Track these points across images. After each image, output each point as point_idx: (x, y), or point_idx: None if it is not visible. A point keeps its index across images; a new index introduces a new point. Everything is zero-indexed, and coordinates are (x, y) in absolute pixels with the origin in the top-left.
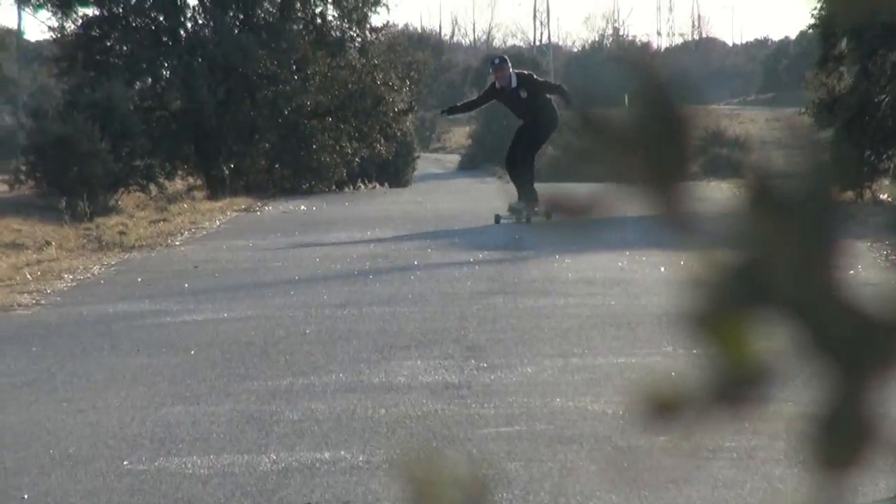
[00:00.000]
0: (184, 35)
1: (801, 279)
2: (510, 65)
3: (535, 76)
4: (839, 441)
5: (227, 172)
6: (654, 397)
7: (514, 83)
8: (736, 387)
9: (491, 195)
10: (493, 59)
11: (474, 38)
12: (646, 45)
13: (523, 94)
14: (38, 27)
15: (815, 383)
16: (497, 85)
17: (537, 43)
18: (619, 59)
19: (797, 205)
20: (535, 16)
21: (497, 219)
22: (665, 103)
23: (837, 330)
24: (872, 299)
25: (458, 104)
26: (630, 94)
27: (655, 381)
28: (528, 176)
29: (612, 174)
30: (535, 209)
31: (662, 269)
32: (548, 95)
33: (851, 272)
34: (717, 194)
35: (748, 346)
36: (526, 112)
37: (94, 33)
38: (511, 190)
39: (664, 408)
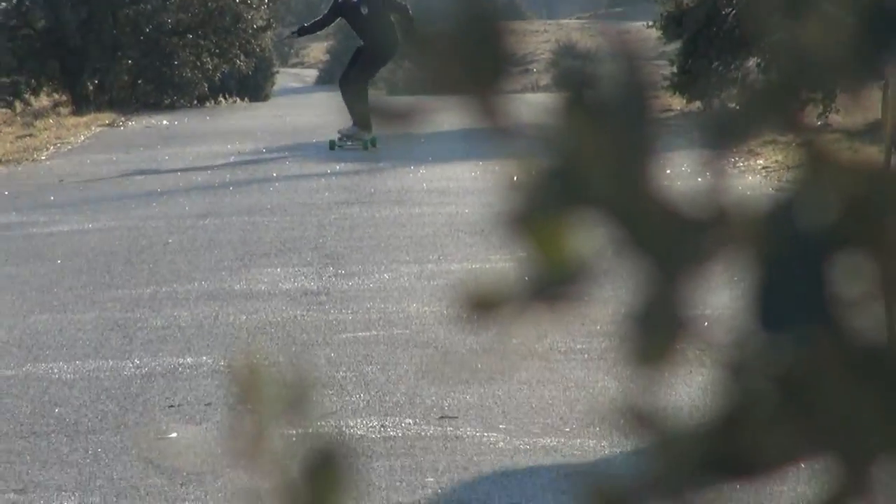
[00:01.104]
0: None
1: (616, 180)
2: None
3: None
4: (653, 336)
5: (91, 88)
6: (473, 296)
7: None
8: (552, 285)
9: (330, 109)
10: None
11: None
12: None
13: (364, 10)
14: None
15: (630, 281)
16: (338, 1)
17: None
18: None
19: (611, 109)
20: None
21: (332, 145)
22: (481, 13)
23: (650, 228)
24: (684, 199)
25: (307, 24)
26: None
27: (474, 280)
28: (361, 99)
29: (434, 84)
30: (368, 134)
31: (515, 178)
32: (392, 16)
33: (674, 179)
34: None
35: (564, 246)
36: (364, 31)
37: None
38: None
39: (482, 306)
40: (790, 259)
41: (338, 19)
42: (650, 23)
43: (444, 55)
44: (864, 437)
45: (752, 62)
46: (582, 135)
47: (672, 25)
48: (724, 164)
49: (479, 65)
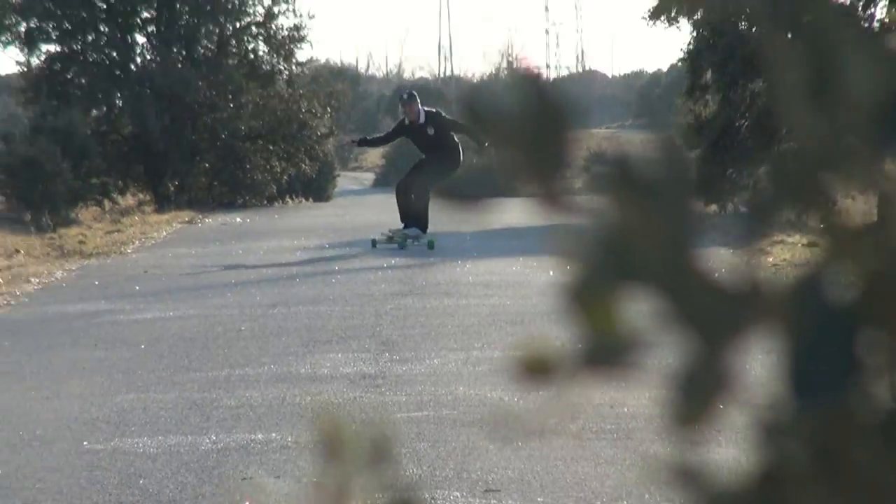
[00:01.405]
0: (134, 68)
1: (663, 258)
2: (419, 101)
3: (443, 114)
4: (696, 399)
5: (172, 189)
6: (529, 360)
7: (422, 119)
8: (604, 353)
9: (387, 210)
10: (402, 93)
11: (387, 71)
12: (531, 69)
13: (430, 132)
14: (7, 62)
15: (674, 350)
16: (406, 121)
17: (442, 75)
18: (513, 80)
19: (658, 197)
20: (439, 51)
21: (373, 243)
22: (552, 116)
23: (695, 302)
24: (726, 276)
25: (369, 138)
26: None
27: (532, 345)
28: (420, 206)
29: (504, 173)
30: (417, 238)
31: (551, 272)
32: (454, 135)
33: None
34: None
35: (615, 317)
36: (430, 148)
37: (56, 67)
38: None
39: (538, 370)
40: (818, 330)
41: (403, 136)
42: (673, 133)
43: (515, 148)
44: (889, 496)
45: (762, 169)
46: (632, 218)
47: (692, 135)
48: (756, 248)
49: (546, 156)
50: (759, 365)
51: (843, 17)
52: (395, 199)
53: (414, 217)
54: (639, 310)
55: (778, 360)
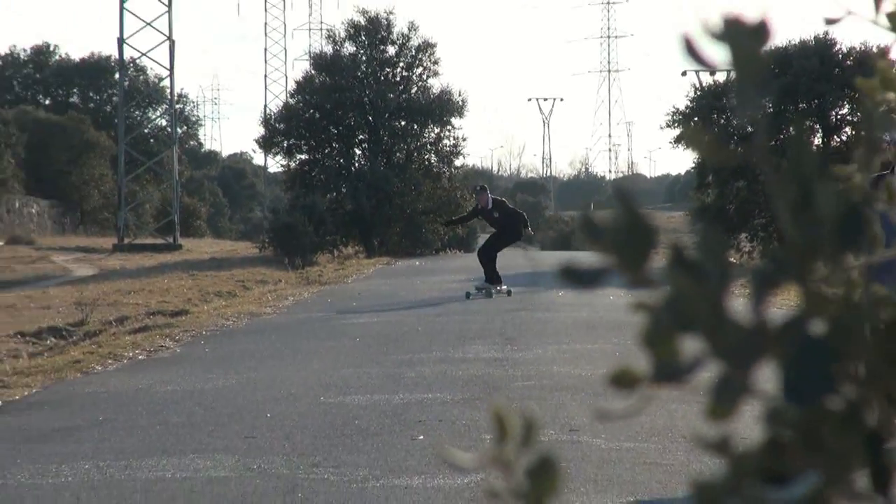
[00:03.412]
0: (353, 170)
1: (705, 312)
2: (489, 192)
3: (506, 202)
4: (724, 401)
5: (376, 244)
6: (621, 374)
7: (490, 205)
8: (668, 372)
9: (510, 256)
10: (474, 186)
11: (509, 172)
12: (622, 181)
13: (496, 214)
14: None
15: (712, 369)
16: (479, 206)
17: (544, 174)
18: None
19: (702, 267)
20: (542, 160)
21: (467, 294)
22: (632, 208)
23: (727, 339)
24: (742, 319)
25: (454, 218)
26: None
27: (620, 365)
28: (493, 265)
29: (603, 257)
30: (497, 287)
31: (611, 297)
32: (513, 217)
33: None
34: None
35: (674, 349)
36: (496, 225)
37: (305, 168)
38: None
39: (626, 382)
40: (801, 355)
41: (476, 217)
42: (687, 212)
43: (610, 243)
44: (847, 460)
45: (742, 237)
46: (685, 286)
47: (698, 214)
48: (766, 300)
49: (634, 248)
50: (765, 378)
51: (817, 158)
52: (524, 249)
53: (489, 274)
54: (689, 345)
55: (777, 375)
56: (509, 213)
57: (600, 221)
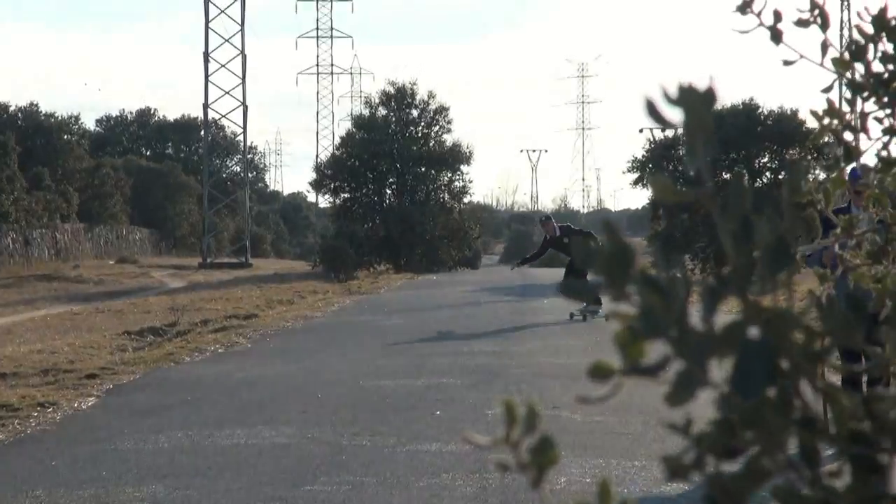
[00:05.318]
0: (385, 205)
1: (667, 320)
2: (553, 220)
3: (571, 226)
4: (683, 391)
5: (402, 262)
6: (597, 367)
7: (558, 233)
8: (639, 367)
9: (507, 272)
10: (540, 216)
11: (505, 207)
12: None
13: (565, 240)
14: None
15: (674, 366)
16: (547, 236)
17: (535, 209)
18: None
19: (664, 291)
20: (531, 198)
21: (571, 315)
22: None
23: (687, 344)
24: (699, 329)
25: (527, 257)
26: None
27: (600, 363)
28: (586, 290)
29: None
30: (597, 311)
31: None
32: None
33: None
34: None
35: (644, 348)
36: (568, 252)
37: (347, 204)
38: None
39: (602, 374)
40: (745, 355)
41: (549, 250)
42: (645, 239)
43: (606, 266)
44: (780, 437)
45: (686, 257)
46: (655, 301)
47: (651, 239)
48: (715, 310)
49: (619, 271)
50: (719, 373)
51: (757, 195)
52: (514, 267)
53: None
54: (655, 346)
55: (729, 372)
56: (578, 237)
57: (594, 249)
